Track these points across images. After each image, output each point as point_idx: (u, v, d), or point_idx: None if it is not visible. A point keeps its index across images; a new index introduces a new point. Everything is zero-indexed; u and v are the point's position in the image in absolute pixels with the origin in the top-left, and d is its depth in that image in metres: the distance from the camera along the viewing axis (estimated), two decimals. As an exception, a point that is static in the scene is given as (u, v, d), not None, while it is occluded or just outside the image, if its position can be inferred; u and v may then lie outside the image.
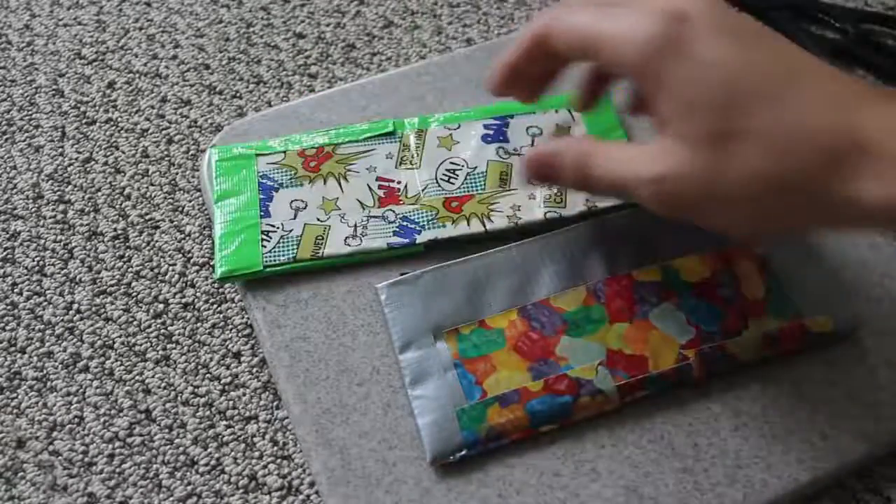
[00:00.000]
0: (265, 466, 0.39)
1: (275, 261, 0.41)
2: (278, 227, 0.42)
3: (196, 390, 0.41)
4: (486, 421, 0.36)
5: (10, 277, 0.45)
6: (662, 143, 0.30)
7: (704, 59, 0.28)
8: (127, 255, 0.46)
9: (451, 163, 0.44)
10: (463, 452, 0.35)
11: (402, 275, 0.40)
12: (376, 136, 0.45)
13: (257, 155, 0.44)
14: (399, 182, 0.43)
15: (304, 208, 0.42)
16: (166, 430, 0.40)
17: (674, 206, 0.31)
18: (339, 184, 0.43)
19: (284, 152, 0.44)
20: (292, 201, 0.42)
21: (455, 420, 0.36)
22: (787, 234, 0.32)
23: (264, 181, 0.43)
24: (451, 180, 0.43)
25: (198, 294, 0.44)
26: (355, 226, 0.41)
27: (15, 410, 0.41)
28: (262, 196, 0.43)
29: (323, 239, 0.41)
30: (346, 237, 0.41)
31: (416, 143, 0.44)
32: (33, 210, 0.47)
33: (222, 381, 0.41)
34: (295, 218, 0.42)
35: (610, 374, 0.37)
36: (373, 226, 0.41)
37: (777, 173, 0.28)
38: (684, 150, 0.29)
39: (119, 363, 0.42)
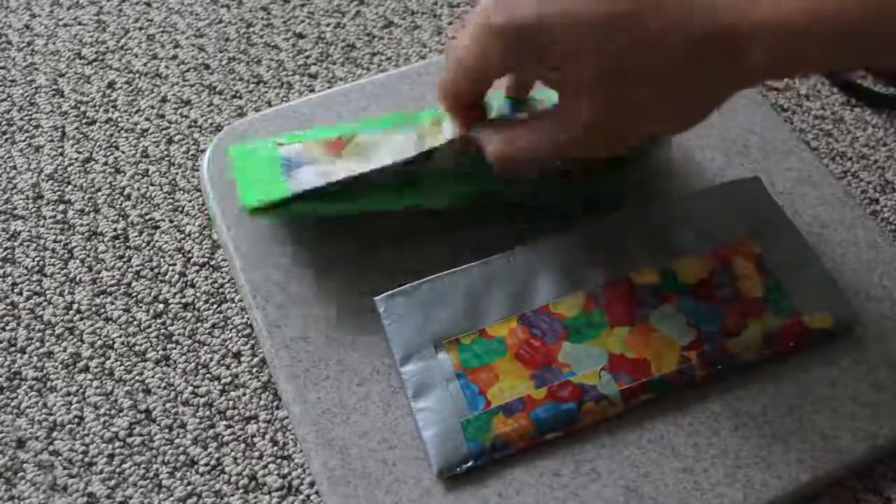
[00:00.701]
0: (265, 466, 0.39)
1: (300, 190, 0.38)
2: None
3: (196, 390, 0.41)
4: (491, 431, 0.36)
5: (10, 277, 0.45)
6: (566, 103, 0.33)
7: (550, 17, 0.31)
8: (127, 255, 0.46)
9: None
10: (469, 464, 0.35)
11: (399, 286, 0.39)
12: (394, 124, 0.43)
13: (278, 144, 0.42)
14: None
15: (331, 175, 0.40)
16: (166, 430, 0.40)
17: (608, 138, 0.34)
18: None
19: (301, 142, 0.42)
20: (317, 172, 0.40)
21: (460, 431, 0.36)
22: (704, 107, 0.34)
23: (286, 162, 0.41)
24: None
25: (198, 294, 0.44)
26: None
27: (15, 410, 0.41)
28: (284, 165, 0.41)
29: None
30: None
31: (430, 131, 0.43)
32: (33, 210, 0.47)
33: (222, 381, 0.41)
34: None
35: (613, 379, 0.37)
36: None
37: (670, 36, 0.31)
38: (587, 94, 0.32)
39: (119, 363, 0.42)
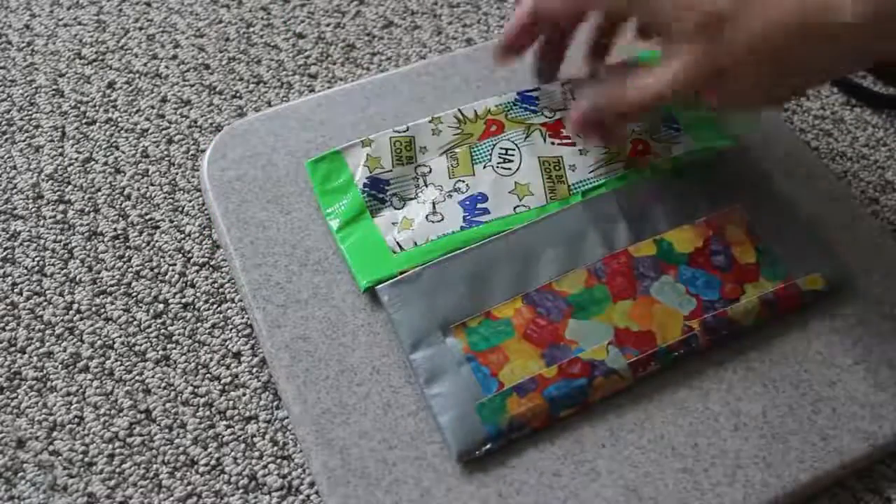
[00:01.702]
0: (265, 466, 0.39)
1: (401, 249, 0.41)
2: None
3: (196, 390, 0.41)
4: (506, 412, 0.36)
5: (10, 277, 0.45)
6: (669, 50, 0.35)
7: None
8: (127, 255, 0.46)
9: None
10: (488, 446, 0.36)
11: (400, 273, 0.40)
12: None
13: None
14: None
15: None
16: (166, 430, 0.40)
17: (699, 88, 0.35)
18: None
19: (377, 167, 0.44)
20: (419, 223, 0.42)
21: (476, 414, 0.36)
22: (802, 87, 0.37)
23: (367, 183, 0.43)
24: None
25: (198, 294, 0.44)
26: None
27: (15, 410, 0.41)
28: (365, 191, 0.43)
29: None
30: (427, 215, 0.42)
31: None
32: (33, 210, 0.47)
33: (222, 381, 0.41)
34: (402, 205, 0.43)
35: (621, 353, 0.37)
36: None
37: (783, 17, 0.32)
38: (692, 47, 0.34)
39: (119, 363, 0.42)
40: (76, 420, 0.40)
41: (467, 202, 0.42)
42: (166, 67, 0.54)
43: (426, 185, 0.43)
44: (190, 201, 0.48)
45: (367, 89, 0.48)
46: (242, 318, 0.43)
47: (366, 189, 0.42)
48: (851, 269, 0.41)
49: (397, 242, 0.41)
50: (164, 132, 0.51)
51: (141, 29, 0.56)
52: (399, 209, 0.42)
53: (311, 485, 0.38)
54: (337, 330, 0.40)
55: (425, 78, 0.48)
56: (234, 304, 0.44)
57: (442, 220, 0.41)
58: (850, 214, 0.44)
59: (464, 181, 0.43)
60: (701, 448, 0.36)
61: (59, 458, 0.39)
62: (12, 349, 0.42)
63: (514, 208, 0.42)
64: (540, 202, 0.42)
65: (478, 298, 0.39)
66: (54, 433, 0.40)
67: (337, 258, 0.42)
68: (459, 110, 0.45)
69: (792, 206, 0.42)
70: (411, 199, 0.43)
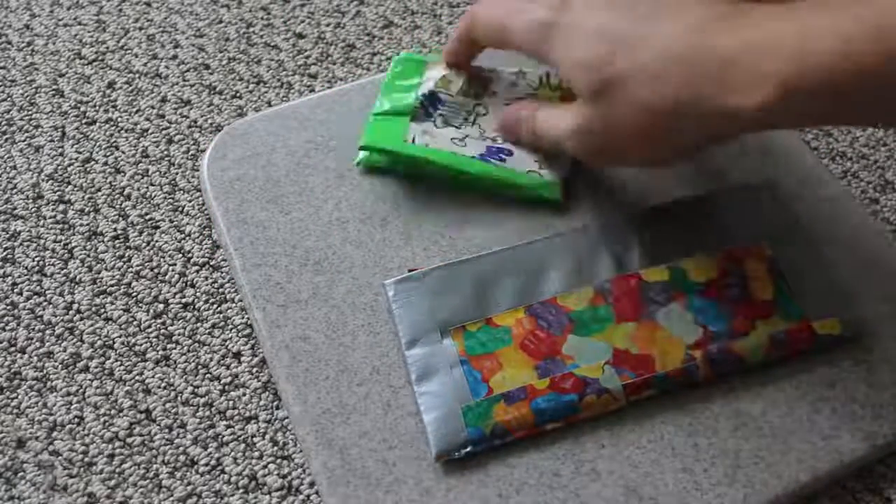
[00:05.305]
0: (265, 466, 0.39)
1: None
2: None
3: (196, 390, 0.41)
4: (491, 418, 0.36)
5: (10, 277, 0.45)
6: (577, 103, 0.37)
7: (579, 25, 0.35)
8: (127, 255, 0.46)
9: None
10: (468, 449, 0.36)
11: (410, 272, 0.40)
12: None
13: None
14: None
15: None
16: (166, 430, 0.40)
17: (589, 153, 0.38)
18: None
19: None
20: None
21: (460, 417, 0.36)
22: (686, 154, 0.37)
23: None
24: None
25: (198, 294, 0.44)
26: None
27: (15, 410, 0.41)
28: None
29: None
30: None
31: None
32: (33, 210, 0.47)
33: (222, 381, 0.41)
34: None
35: (616, 374, 0.37)
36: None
37: (657, 101, 0.33)
38: (584, 105, 0.36)
39: (119, 363, 0.42)
40: (76, 420, 0.40)
41: (493, 148, 0.43)
42: (166, 67, 0.54)
43: (472, 123, 0.44)
44: (190, 201, 0.48)
45: (367, 89, 0.48)
46: (242, 318, 0.43)
47: (421, 98, 0.44)
48: (863, 315, 0.40)
49: (413, 138, 0.43)
50: (164, 132, 0.51)
51: (141, 29, 0.56)
52: (438, 128, 0.44)
53: (311, 485, 0.38)
54: (337, 330, 0.40)
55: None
56: (234, 304, 0.44)
57: (464, 147, 0.43)
58: (850, 214, 0.43)
59: (504, 138, 0.44)
60: (701, 448, 0.36)
61: (59, 458, 0.39)
62: (12, 349, 0.42)
63: (528, 171, 0.42)
64: (552, 178, 0.42)
65: (481, 304, 0.39)
66: (54, 433, 0.40)
67: (337, 258, 0.42)
68: (547, 73, 0.45)
69: (817, 247, 0.41)
70: (452, 125, 0.44)
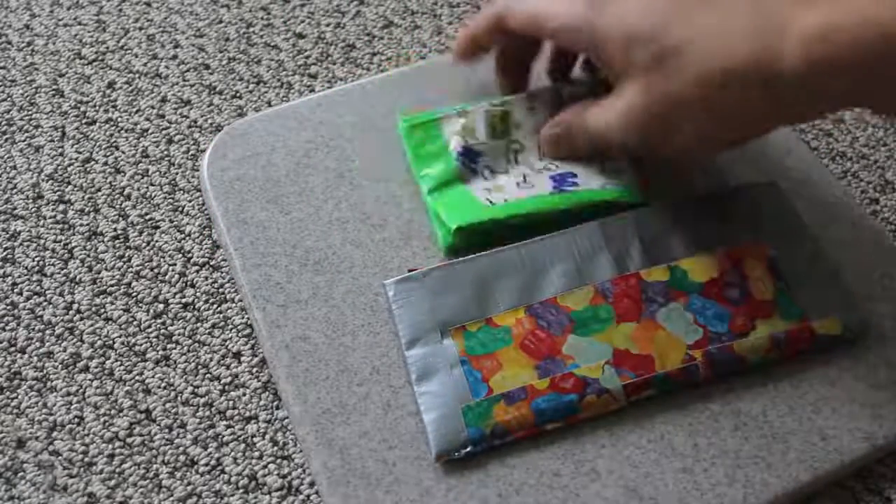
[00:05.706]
0: (265, 466, 0.39)
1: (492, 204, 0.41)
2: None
3: (196, 390, 0.41)
4: (491, 418, 0.36)
5: (10, 277, 0.45)
6: (620, 87, 0.36)
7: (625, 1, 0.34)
8: (127, 255, 0.46)
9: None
10: (468, 449, 0.36)
11: (409, 272, 0.40)
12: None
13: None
14: None
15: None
16: (166, 430, 0.40)
17: (645, 135, 0.36)
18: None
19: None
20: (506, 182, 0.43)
21: (460, 417, 0.36)
22: (748, 132, 0.36)
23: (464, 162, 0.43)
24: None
25: (198, 294, 0.44)
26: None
27: (15, 410, 0.41)
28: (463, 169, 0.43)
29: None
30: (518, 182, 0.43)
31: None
32: (33, 210, 0.47)
33: (222, 381, 0.41)
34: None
35: (616, 374, 0.37)
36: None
37: (717, 69, 0.32)
38: (635, 83, 0.35)
39: (119, 363, 0.42)
40: (76, 420, 0.40)
41: (557, 177, 0.42)
42: (166, 67, 0.54)
43: (517, 163, 0.43)
44: (190, 201, 0.48)
45: (367, 89, 0.48)
46: (242, 318, 0.43)
47: (460, 157, 0.43)
48: (865, 311, 0.40)
49: (489, 200, 0.41)
50: (164, 132, 0.51)
51: (141, 29, 0.56)
52: (490, 180, 0.43)
53: (311, 485, 0.38)
54: (337, 330, 0.40)
55: (425, 78, 0.48)
56: (234, 304, 0.44)
57: (533, 187, 0.42)
58: (849, 214, 0.44)
59: (554, 163, 0.43)
60: (701, 448, 0.36)
61: (59, 458, 0.39)
62: (12, 349, 0.42)
63: (603, 185, 0.42)
64: (631, 180, 0.42)
65: (482, 304, 0.39)
66: (54, 433, 0.40)
67: (337, 258, 0.42)
68: (558, 89, 0.44)
69: (819, 247, 0.41)
70: (502, 172, 0.43)
